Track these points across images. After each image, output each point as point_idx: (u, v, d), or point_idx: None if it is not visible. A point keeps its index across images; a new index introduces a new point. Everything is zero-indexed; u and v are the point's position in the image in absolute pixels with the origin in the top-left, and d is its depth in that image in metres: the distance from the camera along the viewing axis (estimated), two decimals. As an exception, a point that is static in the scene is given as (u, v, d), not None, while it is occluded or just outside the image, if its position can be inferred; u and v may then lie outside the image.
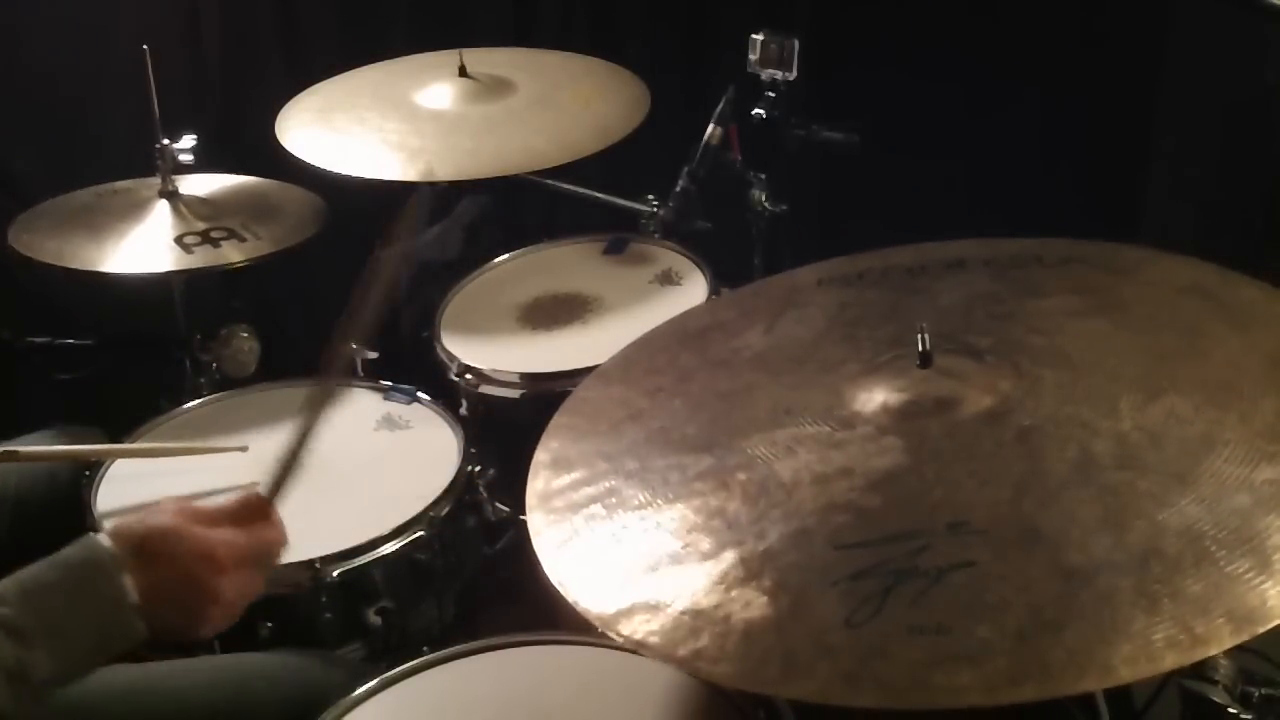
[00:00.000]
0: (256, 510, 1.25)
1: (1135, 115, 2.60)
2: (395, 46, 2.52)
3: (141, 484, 1.72)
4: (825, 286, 1.47)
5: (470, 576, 1.83)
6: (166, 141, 2.08)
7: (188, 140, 2.09)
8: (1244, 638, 0.90)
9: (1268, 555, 0.95)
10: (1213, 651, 0.90)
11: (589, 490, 1.20)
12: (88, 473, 1.74)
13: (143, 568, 1.14)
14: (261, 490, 1.27)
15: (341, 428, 1.85)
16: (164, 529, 1.17)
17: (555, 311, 2.05)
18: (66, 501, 1.70)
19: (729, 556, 1.07)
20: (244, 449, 1.75)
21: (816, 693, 0.94)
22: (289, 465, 1.27)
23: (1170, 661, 0.89)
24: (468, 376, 1.90)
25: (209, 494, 1.69)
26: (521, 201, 2.67)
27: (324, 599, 1.58)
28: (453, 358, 1.94)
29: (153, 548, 1.15)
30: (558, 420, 1.34)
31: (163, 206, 2.10)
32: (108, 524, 1.61)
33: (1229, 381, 1.15)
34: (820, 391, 1.25)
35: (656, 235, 2.24)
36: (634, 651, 1.03)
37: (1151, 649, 0.90)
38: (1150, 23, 2.53)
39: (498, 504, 1.89)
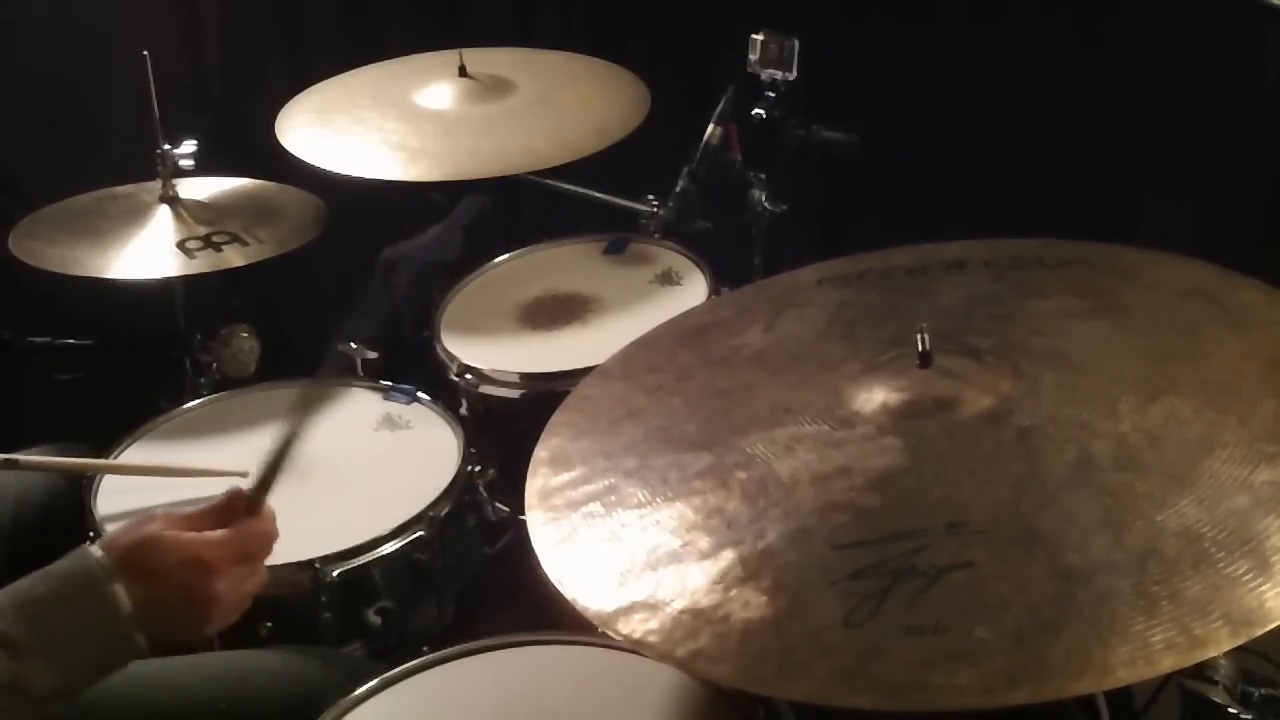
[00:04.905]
0: (241, 507, 1.25)
1: (1135, 116, 2.60)
2: (395, 46, 2.52)
3: (143, 485, 1.72)
4: (825, 286, 1.47)
5: (470, 576, 1.83)
6: (167, 147, 2.08)
7: (188, 145, 2.09)
8: (1242, 640, 0.90)
9: (1266, 557, 0.95)
10: (1211, 654, 0.90)
11: (588, 488, 1.20)
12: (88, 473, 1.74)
13: (134, 579, 1.14)
14: (248, 485, 1.27)
15: (341, 428, 1.86)
16: (148, 540, 1.17)
17: (555, 311, 2.05)
18: (64, 514, 1.70)
19: (728, 556, 1.07)
20: (244, 475, 1.74)
21: (814, 692, 0.93)
22: (277, 463, 1.27)
23: (1168, 664, 0.89)
24: (468, 376, 1.91)
25: (208, 499, 1.70)
26: (521, 201, 2.67)
27: (324, 599, 1.58)
28: (453, 358, 1.94)
29: (140, 560, 1.15)
30: (558, 418, 1.34)
31: (164, 211, 2.10)
32: (104, 533, 1.62)
33: (1229, 384, 1.15)
34: (820, 391, 1.25)
35: (656, 235, 2.24)
36: (634, 651, 1.03)
37: (1150, 651, 0.90)
38: (1150, 23, 2.54)
39: (498, 504, 1.89)
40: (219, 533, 1.21)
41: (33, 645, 1.09)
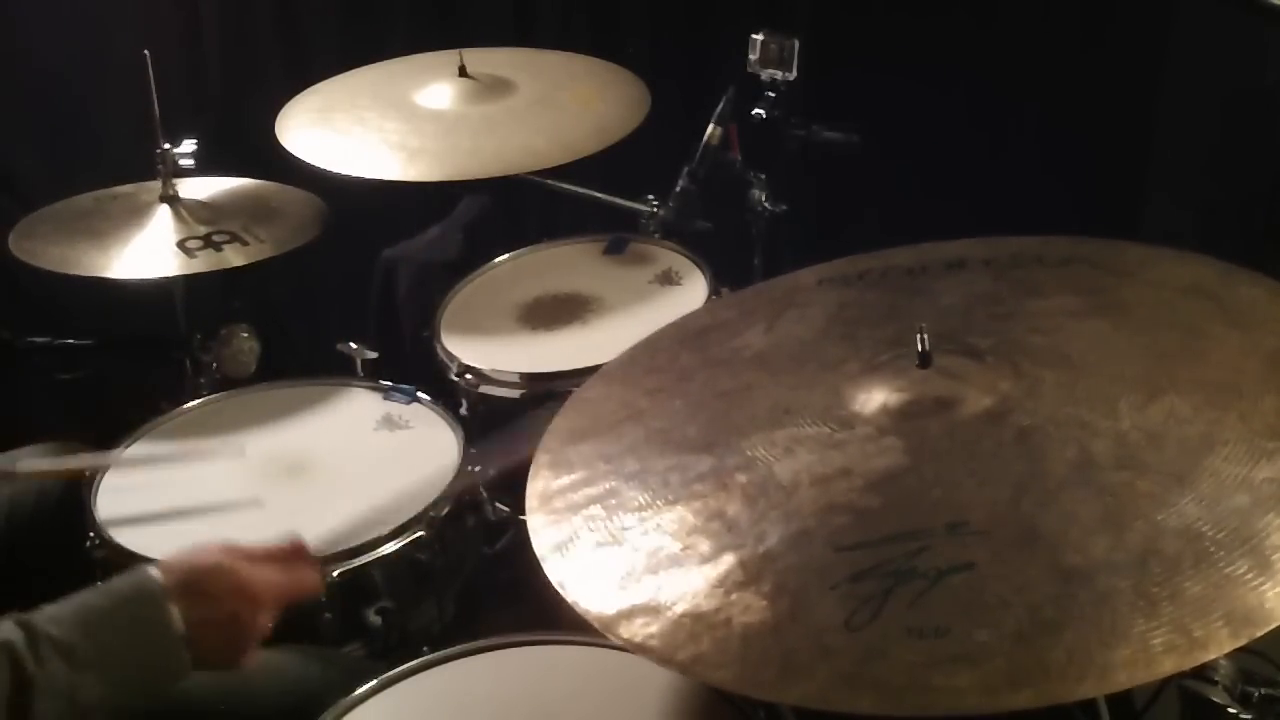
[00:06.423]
0: (297, 553, 1.34)
1: (1135, 116, 2.60)
2: (395, 46, 2.52)
3: (143, 486, 1.72)
4: (825, 286, 1.47)
5: (470, 576, 1.83)
6: (167, 146, 2.08)
7: (188, 145, 2.09)
8: (1242, 641, 0.90)
9: (1266, 555, 0.95)
10: (1211, 656, 0.89)
11: (589, 491, 1.20)
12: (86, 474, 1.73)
13: (190, 602, 1.21)
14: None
15: (341, 428, 1.86)
16: (211, 567, 1.25)
17: (555, 311, 2.05)
18: (55, 512, 1.71)
19: (729, 559, 1.07)
20: (241, 456, 1.74)
21: (816, 696, 0.93)
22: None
23: (1169, 665, 0.89)
24: (468, 376, 1.91)
25: (209, 504, 1.70)
26: (521, 201, 2.67)
27: (324, 599, 1.58)
28: (453, 358, 1.94)
29: (200, 584, 1.22)
30: (558, 421, 1.34)
31: (164, 211, 2.09)
32: (105, 533, 1.63)
33: (1229, 381, 1.14)
34: (820, 391, 1.25)
35: (656, 235, 2.24)
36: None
37: (1150, 653, 0.90)
38: (1150, 24, 2.53)
39: (498, 504, 1.89)
40: (275, 571, 1.29)
41: (88, 655, 1.14)
